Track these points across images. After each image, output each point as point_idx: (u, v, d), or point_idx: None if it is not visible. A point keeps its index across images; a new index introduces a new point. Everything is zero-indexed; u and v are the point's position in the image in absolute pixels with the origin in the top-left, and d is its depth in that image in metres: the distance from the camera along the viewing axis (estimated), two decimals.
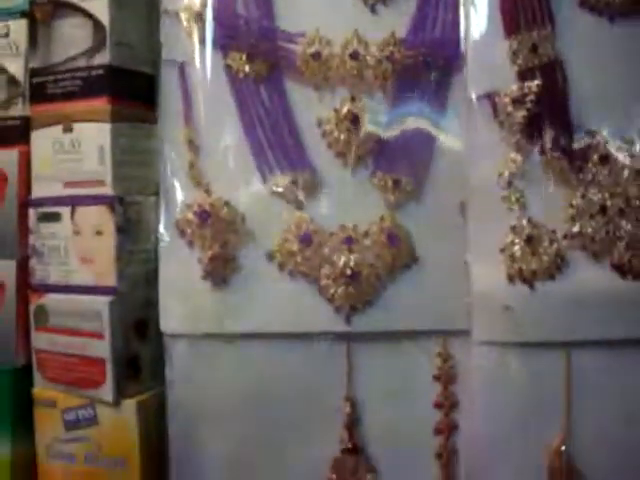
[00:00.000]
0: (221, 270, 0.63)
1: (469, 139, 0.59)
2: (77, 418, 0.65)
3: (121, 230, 0.63)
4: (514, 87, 0.57)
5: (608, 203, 0.56)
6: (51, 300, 0.66)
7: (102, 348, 0.63)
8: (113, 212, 0.63)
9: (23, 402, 0.68)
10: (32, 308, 0.67)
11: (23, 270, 0.68)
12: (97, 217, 0.64)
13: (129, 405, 0.64)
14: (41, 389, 0.68)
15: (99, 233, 0.63)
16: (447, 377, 0.62)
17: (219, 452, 0.64)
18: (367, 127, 0.62)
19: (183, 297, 0.64)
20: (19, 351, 0.69)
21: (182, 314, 0.64)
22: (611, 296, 0.55)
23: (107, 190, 0.63)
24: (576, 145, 0.56)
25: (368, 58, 0.62)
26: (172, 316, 0.65)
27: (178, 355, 0.65)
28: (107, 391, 0.63)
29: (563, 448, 0.56)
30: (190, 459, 0.65)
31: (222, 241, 0.63)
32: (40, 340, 0.67)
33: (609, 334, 0.55)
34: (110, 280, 0.63)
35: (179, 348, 0.65)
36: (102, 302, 0.63)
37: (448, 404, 0.62)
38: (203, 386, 0.64)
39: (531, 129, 0.57)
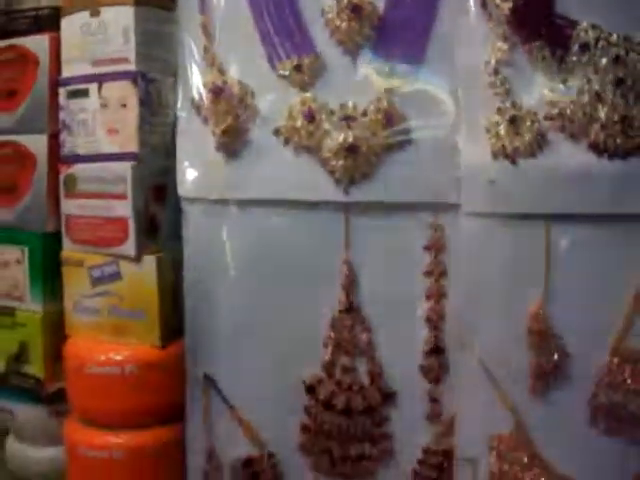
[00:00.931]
0: (232, 143, 0.67)
1: (460, 30, 0.63)
2: (102, 274, 0.71)
3: (143, 103, 0.69)
4: None
5: (586, 88, 0.59)
6: (79, 169, 0.71)
7: (125, 208, 0.68)
8: (136, 86, 0.68)
9: (53, 264, 0.74)
10: (62, 177, 0.72)
11: (54, 144, 0.73)
12: (122, 91, 0.69)
13: (149, 260, 0.69)
14: (69, 251, 0.73)
15: (123, 106, 0.68)
16: (437, 247, 0.65)
17: (227, 305, 0.69)
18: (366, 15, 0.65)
19: (198, 166, 0.69)
20: (50, 218, 0.75)
21: (197, 181, 0.69)
22: (587, 173, 0.59)
23: (131, 67, 0.68)
24: (558, 34, 0.59)
25: None
26: (188, 182, 0.69)
27: (193, 217, 0.69)
28: (130, 247, 0.69)
29: (541, 312, 0.60)
30: (202, 311, 0.70)
31: (234, 115, 0.67)
32: (69, 206, 0.72)
33: (585, 208, 0.59)
34: (133, 147, 0.68)
35: (194, 211, 0.69)
36: (125, 166, 0.68)
37: (438, 272, 0.65)
38: (215, 246, 0.68)
39: (517, 20, 0.60)
